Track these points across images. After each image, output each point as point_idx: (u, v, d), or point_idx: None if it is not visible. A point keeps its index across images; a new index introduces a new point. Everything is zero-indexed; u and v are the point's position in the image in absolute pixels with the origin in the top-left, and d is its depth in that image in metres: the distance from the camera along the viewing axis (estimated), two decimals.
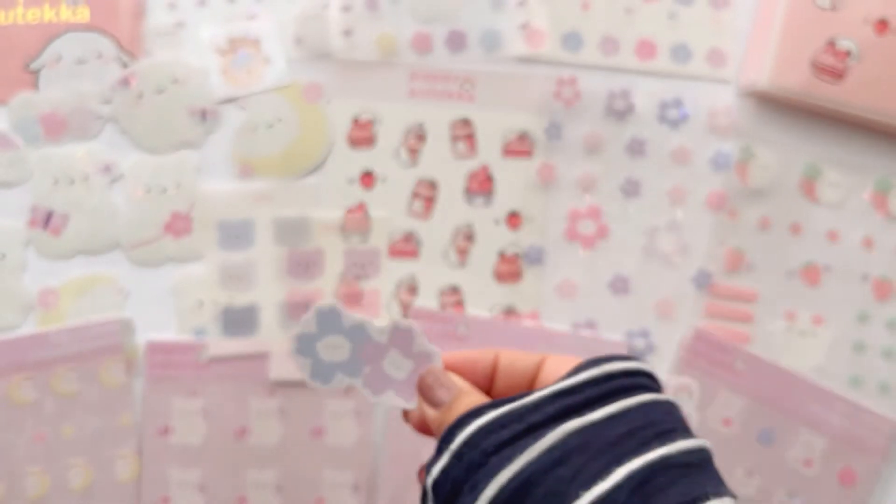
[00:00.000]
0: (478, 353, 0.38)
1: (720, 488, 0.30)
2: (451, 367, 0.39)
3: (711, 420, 0.55)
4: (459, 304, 0.56)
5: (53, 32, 0.56)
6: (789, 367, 0.56)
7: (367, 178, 0.57)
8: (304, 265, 0.55)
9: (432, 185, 0.57)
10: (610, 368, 0.34)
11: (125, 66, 0.56)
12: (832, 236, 0.57)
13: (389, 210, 0.56)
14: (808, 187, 0.57)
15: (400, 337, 0.38)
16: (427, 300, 0.56)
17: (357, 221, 0.56)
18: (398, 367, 0.39)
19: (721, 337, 0.56)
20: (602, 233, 0.57)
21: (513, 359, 0.38)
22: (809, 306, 0.57)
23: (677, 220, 0.57)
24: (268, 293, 0.55)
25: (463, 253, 0.56)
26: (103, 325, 0.54)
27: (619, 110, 0.57)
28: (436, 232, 0.56)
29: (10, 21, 0.56)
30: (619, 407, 0.32)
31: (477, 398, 0.36)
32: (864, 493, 0.56)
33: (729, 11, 0.59)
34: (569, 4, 0.58)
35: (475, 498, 0.30)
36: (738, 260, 0.57)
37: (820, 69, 0.54)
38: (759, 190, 0.57)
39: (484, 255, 0.56)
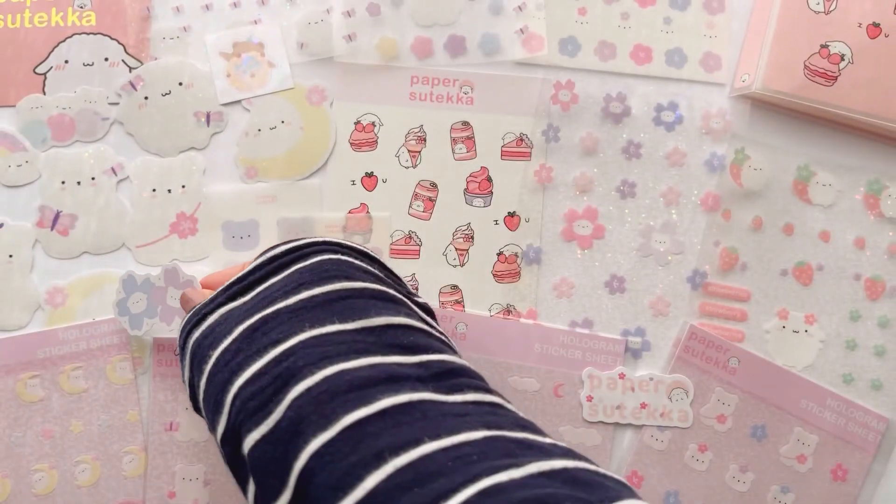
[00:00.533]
0: (231, 268, 0.44)
1: (329, 319, 0.34)
2: (207, 284, 0.47)
3: (706, 416, 0.56)
4: (459, 302, 0.57)
5: (60, 36, 0.57)
6: (782, 364, 0.57)
7: (369, 180, 0.57)
8: None
9: (433, 186, 0.58)
10: (273, 253, 0.40)
11: (131, 69, 0.57)
12: (825, 236, 0.58)
13: (391, 210, 0.57)
14: (801, 188, 0.58)
15: (170, 276, 0.52)
16: (427, 299, 0.56)
17: (359, 221, 0.57)
18: (175, 298, 0.52)
19: (715, 335, 0.56)
20: (599, 233, 0.58)
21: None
22: (802, 305, 0.58)
23: (672, 220, 0.58)
24: None
25: (462, 253, 0.57)
26: (110, 323, 0.55)
27: (616, 113, 0.58)
28: (436, 232, 0.57)
29: (17, 25, 0.57)
30: (267, 283, 0.38)
31: None
32: (856, 489, 0.56)
33: (723, 16, 0.59)
34: (566, 10, 0.59)
35: (184, 379, 0.39)
36: (731, 260, 0.57)
37: (813, 72, 0.55)
38: (752, 191, 0.58)
39: (483, 255, 0.57)
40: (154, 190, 0.56)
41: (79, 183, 0.56)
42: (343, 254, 0.40)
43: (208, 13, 0.58)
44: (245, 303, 0.37)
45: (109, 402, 0.54)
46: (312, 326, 0.34)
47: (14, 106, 0.56)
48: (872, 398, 0.57)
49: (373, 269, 0.40)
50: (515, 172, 0.58)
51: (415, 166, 0.58)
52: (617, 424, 0.56)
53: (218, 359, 0.35)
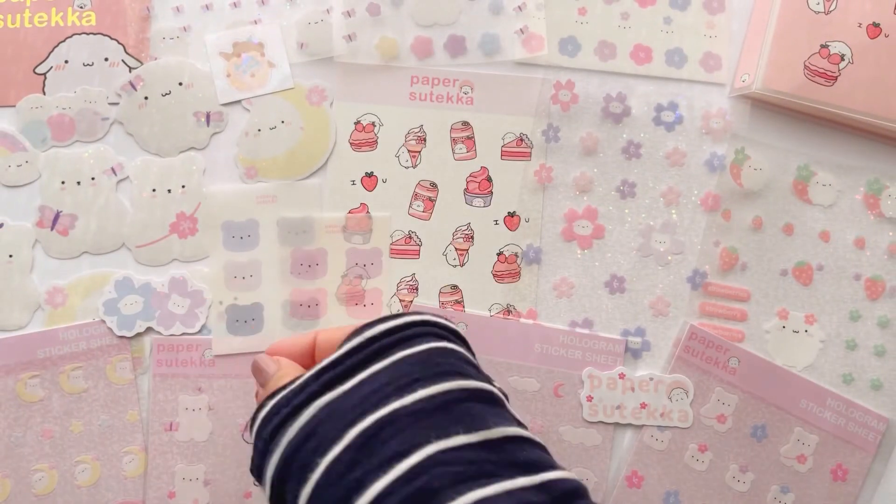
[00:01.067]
0: (300, 336, 0.40)
1: (453, 428, 0.31)
2: (277, 351, 0.42)
3: (706, 416, 0.56)
4: (459, 302, 0.57)
5: (60, 36, 0.57)
6: (782, 365, 0.57)
7: (369, 180, 0.57)
8: (307, 265, 0.56)
9: (433, 186, 0.58)
10: (371, 333, 0.35)
11: (131, 69, 0.57)
12: (825, 236, 0.58)
13: (391, 210, 0.57)
14: (801, 188, 0.58)
15: (177, 284, 0.55)
16: (427, 299, 0.57)
17: (359, 221, 0.57)
18: (180, 305, 0.54)
19: (715, 335, 0.56)
20: (598, 233, 0.58)
21: (328, 335, 0.40)
22: (802, 305, 0.58)
23: (672, 220, 0.58)
24: (272, 292, 0.56)
25: (462, 253, 0.57)
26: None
27: (616, 113, 0.58)
28: (436, 232, 0.57)
29: (17, 25, 0.57)
30: (370, 371, 0.34)
31: (292, 372, 0.38)
32: (856, 489, 0.57)
33: (723, 16, 0.59)
34: (566, 10, 0.59)
35: (263, 483, 0.34)
36: (731, 260, 0.58)
37: (813, 72, 0.55)
38: (752, 191, 0.58)
39: (483, 255, 0.57)
40: (154, 190, 0.56)
41: (79, 183, 0.56)
42: (445, 338, 0.37)
43: (208, 13, 0.58)
44: (347, 394, 0.33)
45: (109, 402, 0.54)
46: (438, 437, 0.30)
47: (14, 106, 0.56)
48: (872, 398, 0.57)
49: (469, 356, 0.37)
50: (515, 172, 0.58)
51: (415, 166, 0.58)
52: (617, 424, 0.56)
53: (329, 469, 0.31)
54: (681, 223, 0.58)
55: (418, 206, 0.57)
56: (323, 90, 0.58)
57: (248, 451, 0.54)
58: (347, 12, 0.58)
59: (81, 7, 0.57)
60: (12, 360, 0.54)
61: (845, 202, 0.58)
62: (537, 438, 0.34)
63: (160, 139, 0.57)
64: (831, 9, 0.56)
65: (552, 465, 0.32)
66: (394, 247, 0.57)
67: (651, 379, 0.56)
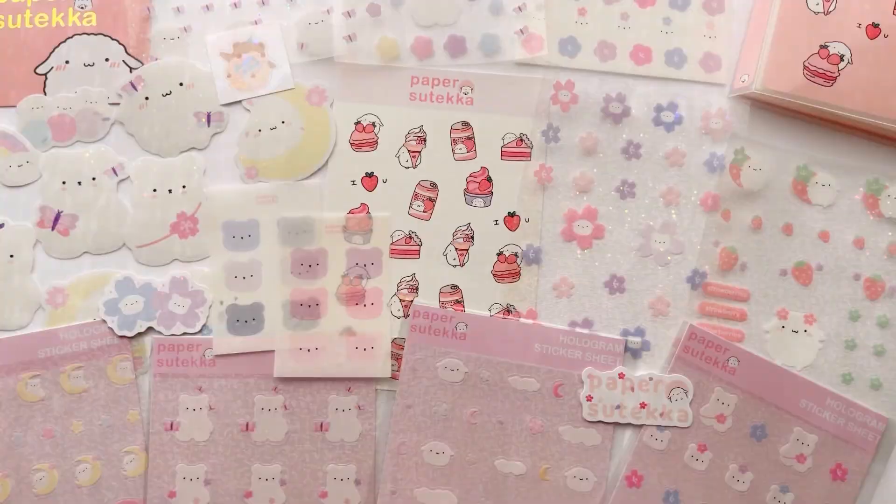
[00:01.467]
0: None
1: None
2: None
3: (705, 416, 0.56)
4: (459, 302, 0.57)
5: (61, 36, 0.57)
6: (782, 364, 0.57)
7: (369, 180, 0.57)
8: (307, 265, 0.56)
9: (433, 186, 0.58)
10: None
11: (132, 69, 0.57)
12: (824, 236, 0.58)
13: (391, 210, 0.57)
14: (801, 188, 0.58)
15: (177, 284, 0.55)
16: (427, 299, 0.57)
17: (359, 221, 0.57)
18: (180, 305, 0.55)
19: (715, 335, 0.57)
20: (598, 233, 0.58)
21: None
22: (802, 305, 0.58)
23: (672, 220, 0.58)
24: (272, 292, 0.56)
25: (462, 253, 0.57)
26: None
27: (615, 113, 0.58)
28: (436, 232, 0.57)
29: (18, 25, 0.57)
30: None
31: None
32: (855, 488, 0.57)
33: (723, 16, 0.60)
34: (566, 10, 0.59)
35: None
36: (731, 260, 0.58)
37: (812, 73, 0.55)
38: (752, 191, 0.58)
39: (483, 255, 0.57)
40: (154, 190, 0.56)
41: (79, 183, 0.56)
42: None
43: (209, 13, 0.58)
44: None
45: (110, 402, 0.55)
46: None
47: (15, 106, 0.56)
48: (872, 398, 0.57)
49: None
50: (515, 172, 0.58)
51: (415, 166, 0.58)
52: (617, 424, 0.56)
53: None
54: (680, 223, 0.58)
55: (418, 206, 0.57)
56: (323, 90, 0.58)
57: (249, 450, 0.55)
58: (347, 13, 0.58)
59: (82, 7, 0.58)
60: (13, 360, 0.54)
61: (844, 202, 0.59)
62: None
63: (161, 139, 0.57)
64: (831, 9, 0.56)
65: None
66: (394, 247, 0.57)
67: (651, 379, 0.56)
